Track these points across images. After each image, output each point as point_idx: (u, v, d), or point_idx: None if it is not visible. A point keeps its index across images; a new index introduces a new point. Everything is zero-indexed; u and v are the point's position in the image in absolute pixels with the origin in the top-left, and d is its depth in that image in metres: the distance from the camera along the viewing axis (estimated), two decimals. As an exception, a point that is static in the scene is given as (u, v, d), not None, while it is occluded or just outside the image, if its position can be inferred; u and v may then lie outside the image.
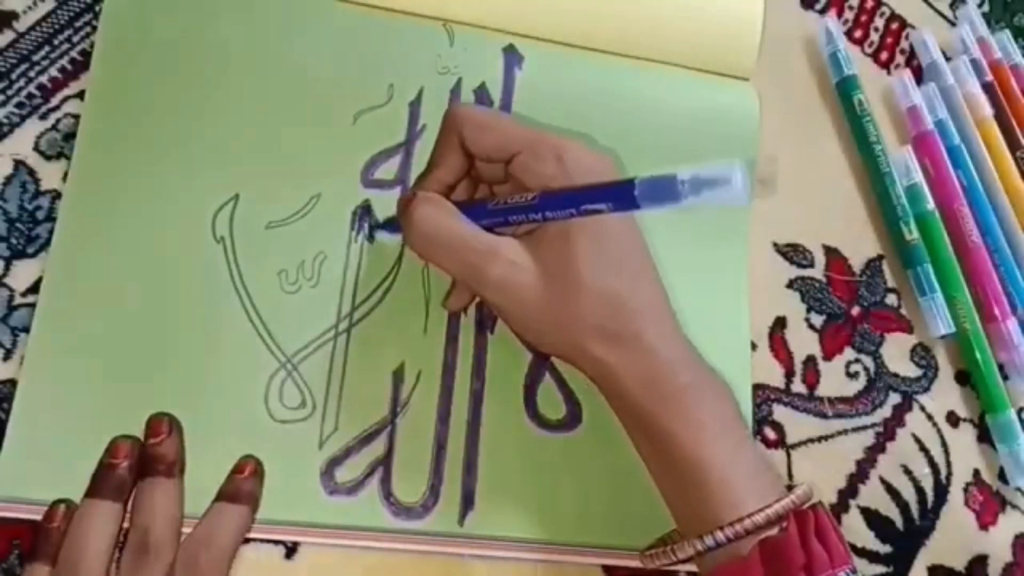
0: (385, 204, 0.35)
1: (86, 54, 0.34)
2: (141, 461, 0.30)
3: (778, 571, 0.26)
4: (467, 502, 0.33)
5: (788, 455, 0.38)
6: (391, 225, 0.34)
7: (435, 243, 0.29)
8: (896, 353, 0.41)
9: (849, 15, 0.46)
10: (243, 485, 0.30)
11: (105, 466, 0.29)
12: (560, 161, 0.28)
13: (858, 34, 0.46)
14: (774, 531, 0.27)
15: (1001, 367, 0.41)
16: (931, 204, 0.42)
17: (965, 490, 0.40)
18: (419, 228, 0.29)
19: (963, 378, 0.42)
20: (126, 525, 0.29)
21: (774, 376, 0.39)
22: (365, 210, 0.35)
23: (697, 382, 0.29)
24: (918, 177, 0.42)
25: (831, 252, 0.42)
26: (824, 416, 0.39)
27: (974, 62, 0.46)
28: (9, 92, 0.34)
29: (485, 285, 0.28)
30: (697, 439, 0.27)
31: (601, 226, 0.28)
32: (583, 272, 0.28)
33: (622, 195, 0.26)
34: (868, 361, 0.41)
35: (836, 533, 0.27)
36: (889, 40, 0.47)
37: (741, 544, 0.27)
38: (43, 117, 0.34)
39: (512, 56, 0.38)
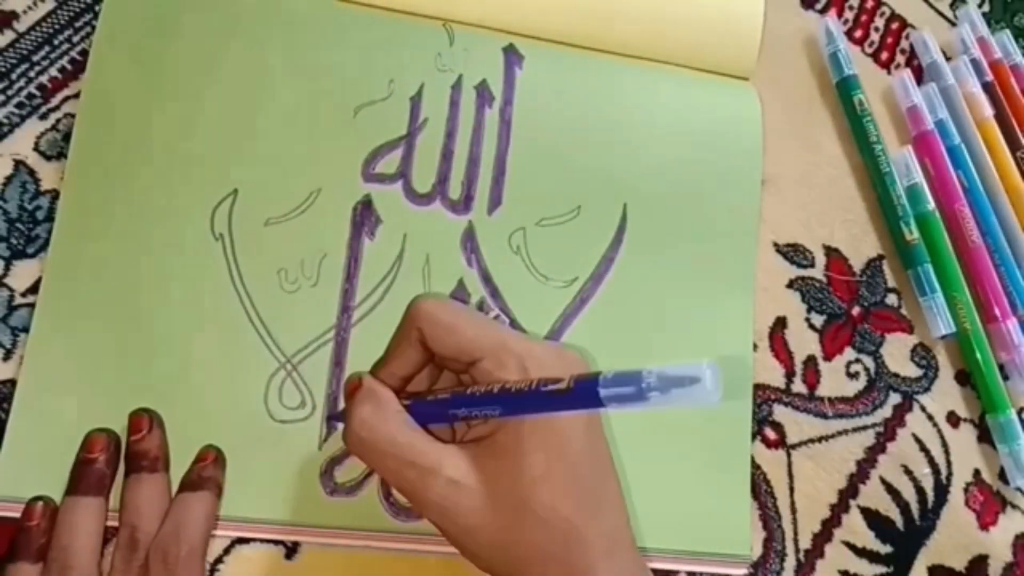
0: (385, 199, 0.35)
1: (86, 54, 0.34)
2: (125, 458, 0.30)
3: None
4: (467, 502, 0.33)
5: (788, 455, 0.38)
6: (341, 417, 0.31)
7: (371, 451, 0.27)
8: (896, 353, 0.41)
9: (849, 15, 0.46)
10: (203, 472, 0.30)
11: (82, 461, 0.30)
12: (524, 370, 0.26)
13: (858, 34, 0.46)
14: None
15: (1001, 367, 0.41)
16: (931, 204, 0.42)
17: (965, 490, 0.40)
18: (355, 432, 0.27)
19: (963, 378, 0.42)
20: (114, 523, 0.29)
21: (774, 376, 0.39)
22: (366, 205, 0.35)
23: None
24: (918, 177, 0.42)
25: (831, 252, 0.42)
26: (824, 416, 0.39)
27: (974, 62, 0.46)
28: (9, 92, 0.34)
29: (423, 506, 0.26)
30: None
31: (561, 438, 0.26)
32: (535, 496, 0.25)
33: (585, 395, 0.24)
34: (868, 361, 0.41)
35: None
36: (889, 40, 0.47)
37: None
38: (43, 117, 0.34)
39: (512, 56, 0.38)
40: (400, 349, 0.29)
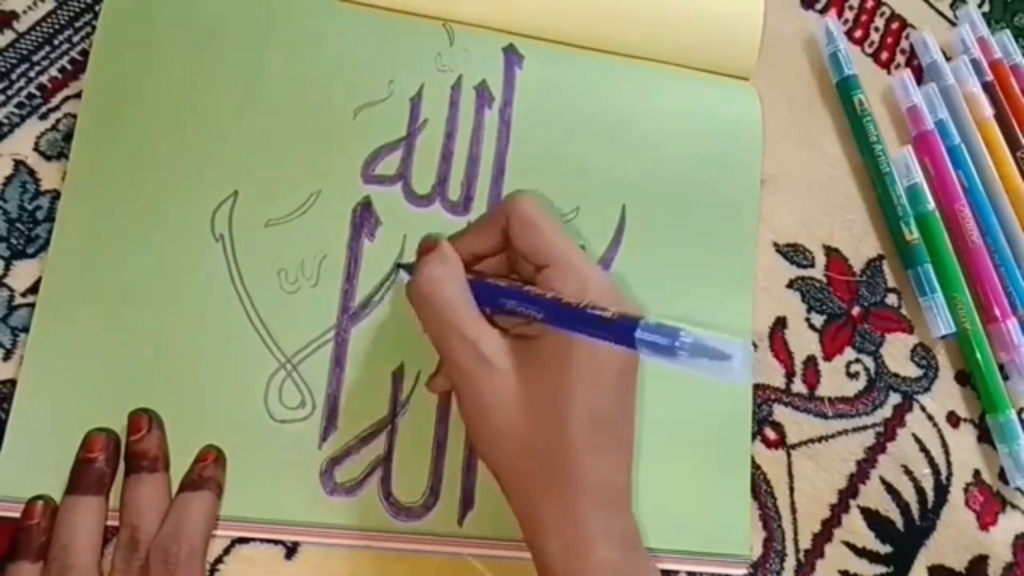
0: (385, 200, 0.35)
1: (86, 54, 0.34)
2: (125, 458, 0.30)
3: None
4: (467, 502, 0.33)
5: (788, 455, 0.38)
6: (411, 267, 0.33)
7: (428, 305, 0.29)
8: (896, 353, 0.41)
9: (849, 15, 0.46)
10: (203, 472, 0.30)
11: (82, 461, 0.30)
12: (582, 291, 0.28)
13: (858, 34, 0.46)
14: None
15: (1001, 367, 0.41)
16: (931, 204, 0.42)
17: (965, 490, 0.40)
18: (419, 286, 0.29)
19: (963, 378, 0.42)
20: (115, 523, 0.29)
21: (774, 376, 0.39)
22: (365, 207, 0.35)
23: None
24: (918, 177, 0.42)
25: (831, 252, 0.42)
26: (824, 416, 0.39)
27: (974, 62, 0.46)
28: (9, 92, 0.34)
29: (454, 369, 0.28)
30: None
31: (598, 364, 0.27)
32: (576, 391, 0.27)
33: (623, 330, 0.26)
34: (868, 361, 0.41)
35: None
36: (889, 40, 0.47)
37: None
38: (43, 117, 0.34)
39: (512, 55, 0.38)
40: (484, 229, 0.31)
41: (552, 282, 0.28)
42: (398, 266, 0.34)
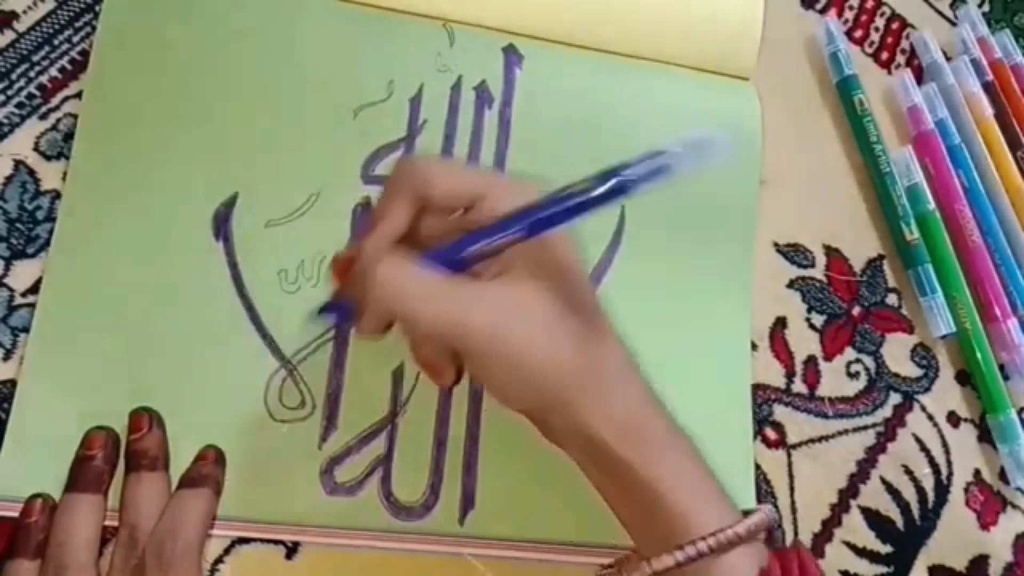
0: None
1: (86, 54, 0.34)
2: (125, 457, 0.30)
3: None
4: (467, 502, 0.33)
5: (789, 455, 0.38)
6: (334, 306, 0.29)
7: (405, 299, 0.25)
8: (897, 353, 0.41)
9: (849, 15, 0.46)
10: (202, 470, 0.30)
11: (81, 459, 0.30)
12: (530, 191, 0.26)
13: (858, 34, 0.46)
14: (731, 553, 0.26)
15: (1001, 367, 0.41)
16: (932, 204, 0.42)
17: (966, 490, 0.40)
18: (383, 288, 0.25)
19: (964, 378, 0.42)
20: (114, 523, 0.29)
21: (775, 376, 0.39)
22: (365, 207, 0.35)
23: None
24: (919, 177, 0.42)
25: (832, 252, 0.42)
26: (825, 416, 0.39)
27: (974, 62, 0.46)
28: (9, 92, 0.34)
29: (469, 333, 0.26)
30: (651, 461, 0.27)
31: (562, 262, 0.27)
32: (576, 287, 0.27)
33: (613, 185, 0.25)
34: (869, 361, 0.41)
35: (820, 574, 0.26)
36: (889, 40, 0.47)
37: (703, 567, 0.26)
38: (43, 117, 0.34)
39: (512, 56, 0.38)
40: (392, 206, 0.27)
41: (498, 203, 0.26)
42: (320, 311, 0.29)
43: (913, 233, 0.41)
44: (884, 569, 0.38)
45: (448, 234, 0.27)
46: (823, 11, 0.46)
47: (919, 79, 0.46)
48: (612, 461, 0.27)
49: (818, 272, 0.41)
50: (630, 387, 0.28)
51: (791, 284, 0.41)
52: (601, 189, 0.25)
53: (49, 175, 0.33)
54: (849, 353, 0.41)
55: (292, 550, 0.32)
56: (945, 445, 0.41)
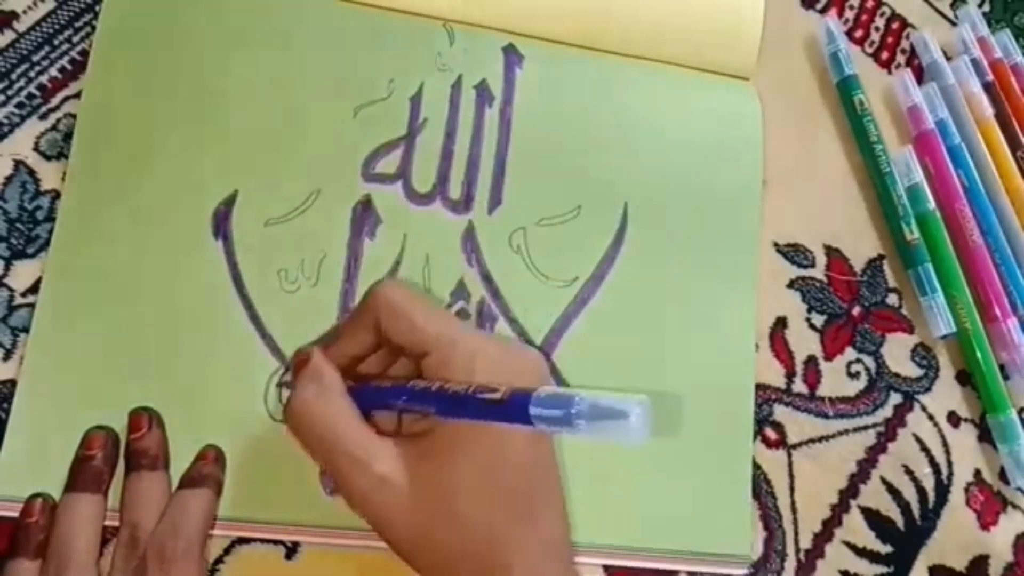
0: (386, 199, 0.35)
1: (86, 54, 0.34)
2: (125, 457, 0.30)
3: None
4: (467, 502, 0.33)
5: (789, 455, 0.38)
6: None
7: (308, 433, 0.27)
8: (897, 353, 0.41)
9: (849, 15, 0.46)
10: (203, 469, 0.30)
11: (81, 458, 0.30)
12: (470, 371, 0.26)
13: (859, 34, 0.46)
14: None
15: (1002, 367, 0.41)
16: (932, 204, 0.42)
17: (966, 490, 0.40)
18: (295, 412, 0.27)
19: (964, 378, 0.42)
20: (115, 523, 0.29)
21: (775, 376, 0.39)
22: (365, 205, 0.35)
23: None
24: (919, 177, 0.42)
25: (832, 252, 0.42)
26: (825, 416, 0.39)
27: (975, 62, 0.46)
28: (9, 92, 0.34)
29: (349, 494, 0.27)
30: None
31: (496, 446, 0.26)
32: (456, 505, 0.25)
33: (517, 410, 0.23)
34: (869, 361, 0.41)
35: None
36: (890, 40, 0.47)
37: None
38: (43, 117, 0.34)
39: (512, 55, 0.38)
40: (354, 330, 0.29)
41: (436, 370, 0.26)
42: (279, 385, 0.32)
43: (913, 233, 0.41)
44: (884, 569, 0.38)
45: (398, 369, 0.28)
46: (823, 11, 0.46)
47: (919, 79, 0.46)
48: None
49: (818, 272, 0.41)
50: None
51: (791, 284, 0.41)
52: (507, 410, 0.24)
53: (49, 175, 0.33)
54: (849, 353, 0.41)
55: (292, 550, 0.32)
56: (945, 445, 0.41)
